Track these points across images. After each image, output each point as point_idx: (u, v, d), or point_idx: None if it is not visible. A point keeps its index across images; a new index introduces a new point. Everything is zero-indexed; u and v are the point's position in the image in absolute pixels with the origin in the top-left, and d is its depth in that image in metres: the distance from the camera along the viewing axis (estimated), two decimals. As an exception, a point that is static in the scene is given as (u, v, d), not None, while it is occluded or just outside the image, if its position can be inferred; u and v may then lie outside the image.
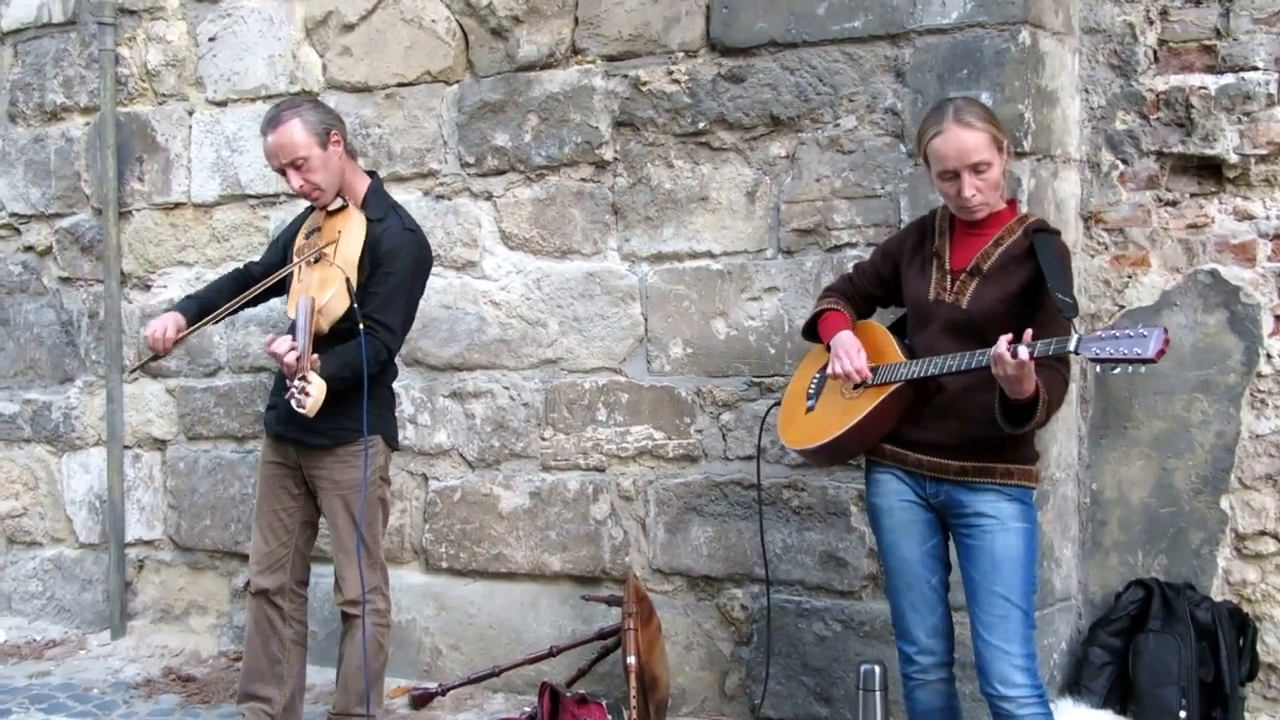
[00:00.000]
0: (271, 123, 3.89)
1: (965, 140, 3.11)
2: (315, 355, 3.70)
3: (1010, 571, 3.15)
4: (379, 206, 4.00)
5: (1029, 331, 2.95)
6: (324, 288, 3.78)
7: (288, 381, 3.68)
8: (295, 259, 3.94)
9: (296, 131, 3.83)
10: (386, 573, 4.15)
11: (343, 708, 4.05)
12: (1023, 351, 2.90)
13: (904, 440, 3.29)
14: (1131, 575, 4.19)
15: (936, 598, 3.32)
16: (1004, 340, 2.93)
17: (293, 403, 3.64)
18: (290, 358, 3.65)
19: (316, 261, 3.85)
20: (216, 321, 4.09)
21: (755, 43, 4.28)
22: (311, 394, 3.62)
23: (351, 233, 3.87)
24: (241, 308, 4.11)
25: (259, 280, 4.08)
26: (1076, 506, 4.27)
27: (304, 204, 4.17)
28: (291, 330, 3.78)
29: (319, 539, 4.21)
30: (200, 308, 4.08)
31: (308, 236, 4.00)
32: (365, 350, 3.77)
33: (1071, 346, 2.89)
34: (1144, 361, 2.79)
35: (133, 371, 4.58)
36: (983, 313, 3.16)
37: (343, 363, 3.78)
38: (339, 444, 3.95)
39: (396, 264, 3.90)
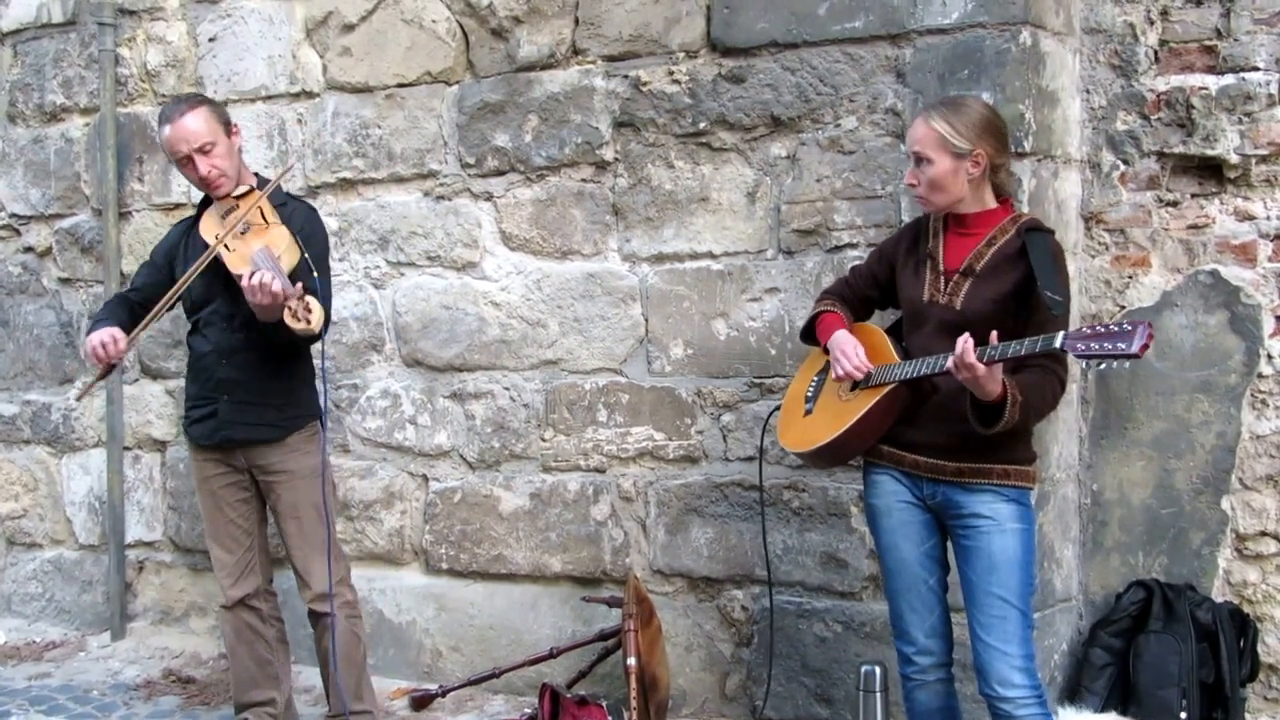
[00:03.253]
0: (175, 112, 3.89)
1: (915, 129, 3.22)
2: (298, 284, 3.65)
3: (1007, 572, 3.15)
4: (277, 194, 4.02)
5: (994, 334, 2.95)
6: (275, 244, 3.76)
7: (287, 306, 3.57)
8: (216, 238, 3.83)
9: (204, 118, 3.88)
10: (347, 561, 4.15)
11: (339, 708, 4.04)
12: (969, 356, 2.92)
13: (901, 441, 3.29)
14: (1132, 576, 4.19)
15: (935, 598, 3.32)
16: (965, 344, 2.95)
17: (296, 324, 3.56)
18: (277, 285, 3.58)
19: (244, 233, 3.82)
20: (149, 324, 3.94)
21: (756, 43, 4.28)
22: (315, 310, 3.59)
23: (270, 210, 3.88)
24: (171, 306, 3.93)
25: (144, 307, 3.98)
26: (1077, 507, 4.27)
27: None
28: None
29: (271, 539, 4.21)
30: (121, 322, 3.95)
31: (223, 218, 3.91)
32: (328, 301, 3.79)
33: (1057, 343, 2.89)
34: (1128, 357, 2.80)
35: (80, 396, 4.28)
36: (976, 313, 3.16)
37: (320, 298, 3.73)
38: (290, 432, 3.98)
39: (315, 238, 3.94)
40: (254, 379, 3.94)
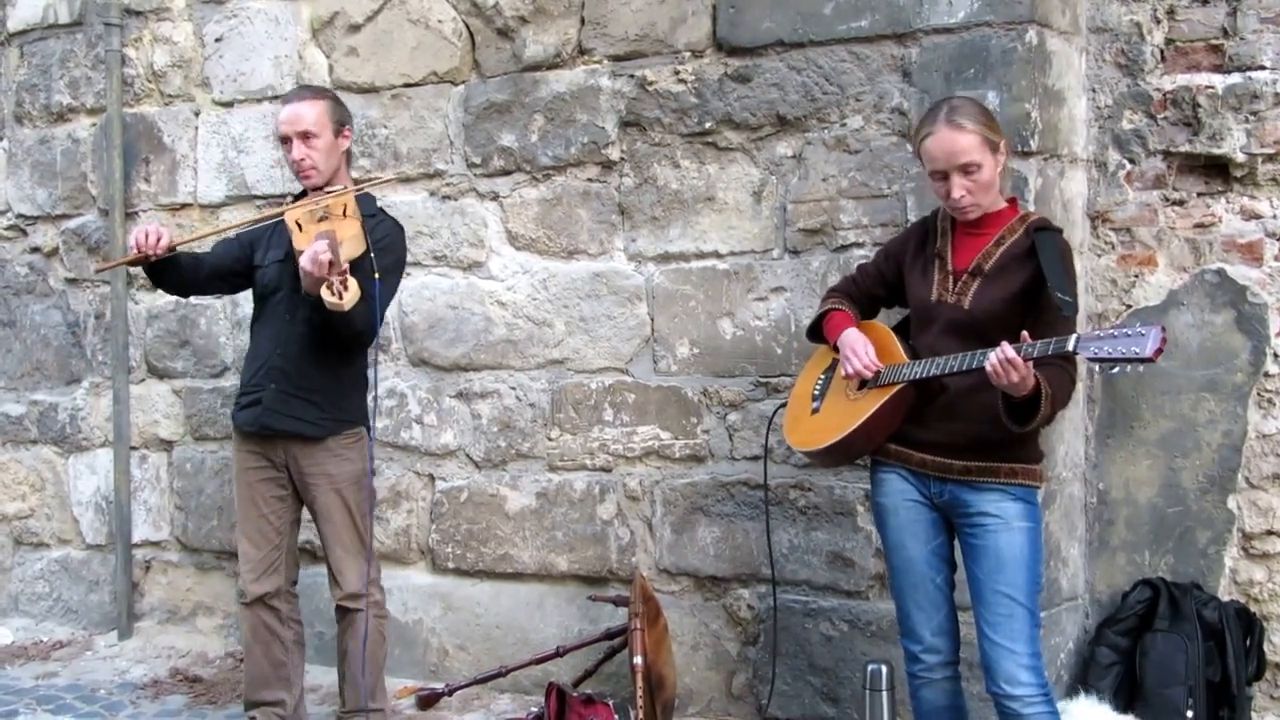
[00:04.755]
0: (297, 95, 4.05)
1: (955, 142, 3.12)
2: (345, 267, 3.70)
3: (1014, 571, 3.15)
4: (368, 204, 4.06)
5: (1024, 333, 2.95)
6: (342, 232, 3.79)
7: (328, 280, 3.62)
8: (295, 213, 3.88)
9: (320, 108, 3.97)
10: (378, 562, 4.17)
11: (355, 703, 4.05)
12: (1009, 351, 2.91)
13: (908, 440, 3.29)
14: (1138, 575, 4.18)
15: (941, 597, 3.33)
16: (997, 353, 2.93)
17: (330, 296, 3.61)
18: (327, 257, 3.62)
19: (321, 220, 3.85)
20: (189, 242, 3.97)
21: (762, 42, 4.28)
22: (350, 288, 3.63)
23: (353, 208, 3.90)
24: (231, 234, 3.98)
25: (214, 268, 4.10)
26: (1083, 506, 4.27)
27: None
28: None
29: (305, 535, 4.21)
30: (183, 262, 4.05)
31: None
32: (376, 304, 3.81)
33: (1070, 346, 2.89)
34: (1142, 361, 2.78)
35: (100, 270, 4.18)
36: (985, 313, 3.16)
37: (365, 294, 3.75)
38: (331, 434, 3.98)
39: (390, 250, 3.97)
40: (303, 373, 3.95)
